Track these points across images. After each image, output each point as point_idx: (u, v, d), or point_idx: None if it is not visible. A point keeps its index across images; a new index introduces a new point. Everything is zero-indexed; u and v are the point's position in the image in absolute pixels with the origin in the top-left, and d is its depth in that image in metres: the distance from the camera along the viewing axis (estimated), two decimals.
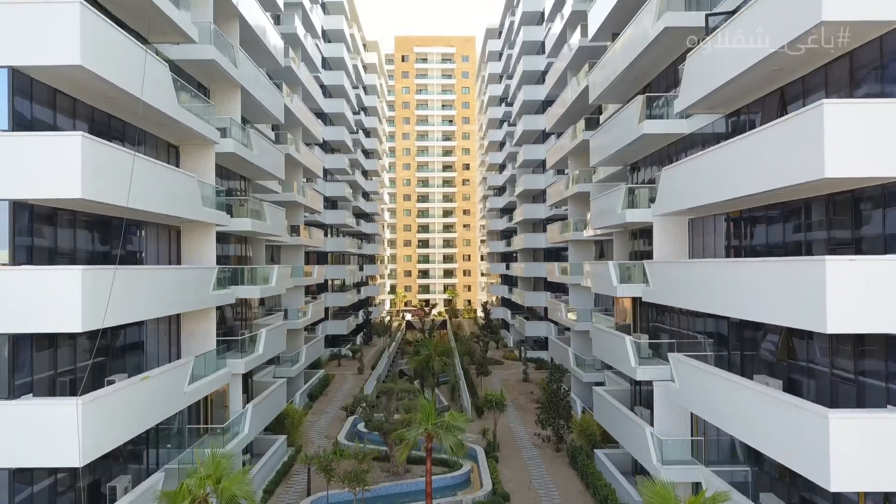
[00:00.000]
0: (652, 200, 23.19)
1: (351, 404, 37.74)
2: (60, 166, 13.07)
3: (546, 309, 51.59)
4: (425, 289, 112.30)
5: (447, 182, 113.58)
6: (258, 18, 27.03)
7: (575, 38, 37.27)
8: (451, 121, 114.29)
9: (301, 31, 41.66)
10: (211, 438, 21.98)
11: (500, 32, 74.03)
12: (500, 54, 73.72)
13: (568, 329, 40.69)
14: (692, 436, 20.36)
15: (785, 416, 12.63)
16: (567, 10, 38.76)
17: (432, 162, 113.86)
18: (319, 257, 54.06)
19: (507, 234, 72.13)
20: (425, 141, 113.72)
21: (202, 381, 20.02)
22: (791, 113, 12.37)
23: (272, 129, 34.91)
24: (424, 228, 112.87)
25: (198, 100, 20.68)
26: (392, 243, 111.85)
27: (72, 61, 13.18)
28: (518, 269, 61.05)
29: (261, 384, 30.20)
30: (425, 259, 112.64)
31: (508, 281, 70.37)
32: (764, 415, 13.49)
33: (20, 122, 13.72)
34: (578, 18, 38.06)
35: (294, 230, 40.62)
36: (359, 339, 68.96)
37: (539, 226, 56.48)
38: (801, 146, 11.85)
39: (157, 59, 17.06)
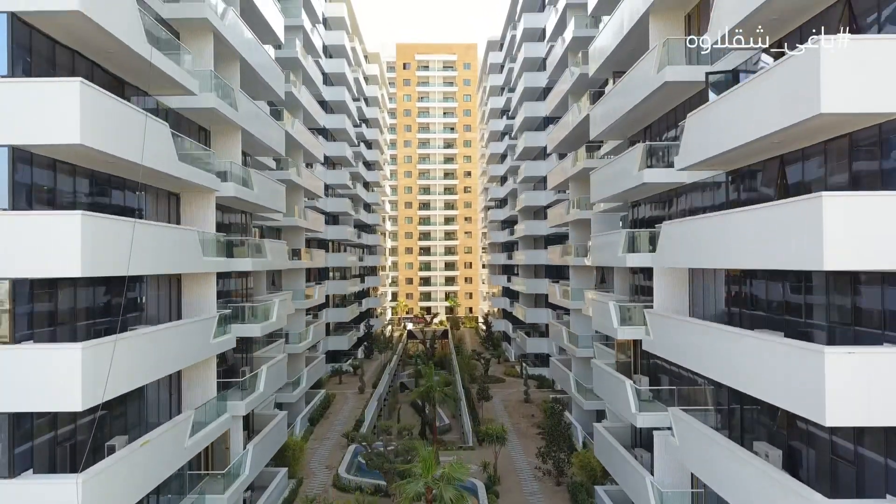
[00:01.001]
0: (652, 242, 23.23)
1: (351, 431, 37.86)
2: (61, 245, 13.07)
3: (548, 325, 51.69)
4: (427, 296, 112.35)
5: (448, 189, 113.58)
6: (259, 56, 27.01)
7: (576, 64, 37.29)
8: (452, 128, 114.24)
9: (302, 54, 41.65)
10: (211, 482, 22.10)
11: (502, 45, 73.91)
12: (502, 66, 73.64)
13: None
14: (692, 488, 20.36)
15: (786, 502, 12.63)
16: (568, 35, 38.74)
17: (434, 169, 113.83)
18: (321, 272, 54.07)
19: (509, 247, 72.10)
20: (427, 148, 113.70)
21: (203, 432, 20.06)
22: (792, 199, 12.35)
23: (273, 159, 34.91)
24: (426, 236, 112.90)
25: (198, 148, 20.68)
26: (394, 251, 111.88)
27: (72, 140, 13.18)
28: (519, 283, 61.04)
29: (262, 417, 30.26)
30: (427, 266, 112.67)
31: (510, 294, 70.35)
32: (764, 494, 13.50)
33: (20, 201, 13.72)
34: (579, 45, 38.05)
35: (295, 253, 40.68)
36: (360, 351, 69.07)
37: (541, 241, 56.41)
38: (799, 233, 11.84)
39: (157, 121, 17.06)
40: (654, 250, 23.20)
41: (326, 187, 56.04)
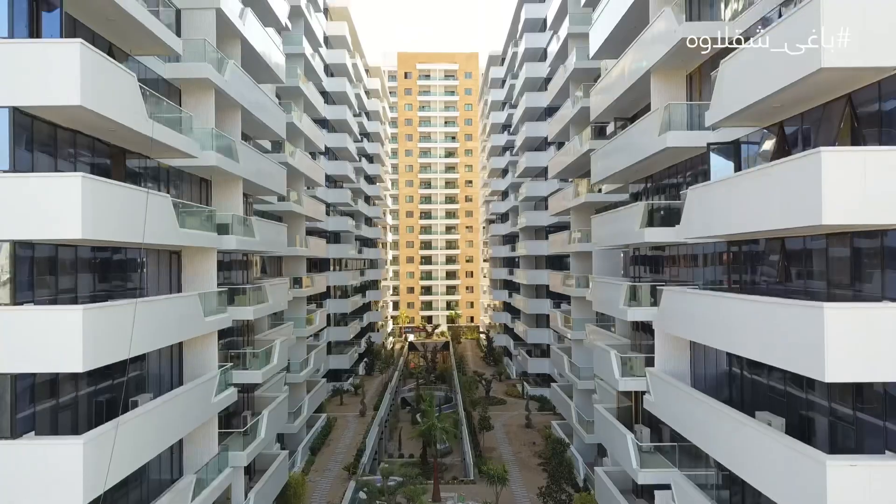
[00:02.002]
0: (654, 294, 23.22)
1: (352, 463, 37.87)
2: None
3: (549, 345, 51.69)
4: (428, 305, 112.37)
5: (450, 198, 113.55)
6: (260, 99, 26.99)
7: (578, 96, 37.23)
8: (453, 137, 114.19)
9: (303, 82, 41.59)
10: None
11: (503, 59, 73.80)
12: (503, 81, 73.57)
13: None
14: None
15: None
16: (570, 65, 38.66)
17: (435, 178, 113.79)
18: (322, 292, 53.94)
19: (510, 262, 72.04)
20: (428, 157, 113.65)
21: (204, 494, 20.08)
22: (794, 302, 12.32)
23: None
24: (427, 245, 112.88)
25: (200, 207, 20.66)
26: (395, 259, 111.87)
27: (75, 235, 13.15)
28: (521, 302, 61.06)
29: (262, 456, 30.24)
30: (428, 275, 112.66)
31: (511, 310, 70.33)
32: None
33: (21, 296, 13.73)
34: (581, 75, 38.04)
35: (296, 281, 40.70)
36: (361, 366, 69.03)
37: (542, 261, 56.34)
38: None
39: (158, 195, 17.05)
40: (655, 303, 23.26)
41: (328, 206, 56.04)
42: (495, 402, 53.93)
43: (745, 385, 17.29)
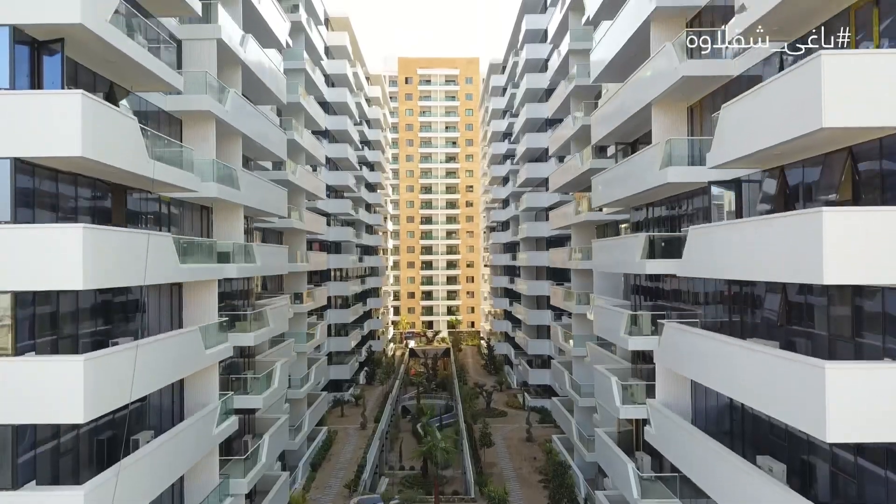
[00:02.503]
0: (654, 325, 23.24)
1: (352, 480, 37.89)
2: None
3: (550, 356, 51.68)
4: (429, 310, 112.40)
5: (451, 203, 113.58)
6: (261, 125, 27.00)
7: (578, 111, 37.23)
8: (454, 142, 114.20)
9: (304, 97, 41.58)
10: None
11: (504, 67, 73.75)
12: (504, 89, 73.50)
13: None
14: None
15: None
16: (571, 83, 38.62)
17: (436, 184, 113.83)
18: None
19: (511, 271, 72.01)
20: (429, 162, 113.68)
21: None
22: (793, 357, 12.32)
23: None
24: (428, 249, 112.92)
25: (201, 244, 20.68)
26: (396, 265, 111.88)
27: (76, 286, 13.17)
28: (521, 313, 61.05)
29: (263, 478, 30.25)
30: (429, 280, 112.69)
31: (511, 318, 70.30)
32: None
33: (22, 340, 13.74)
34: (583, 92, 38.02)
35: (297, 297, 40.71)
36: (362, 375, 69.00)
37: (543, 272, 56.29)
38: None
39: (160, 235, 17.06)
40: (656, 331, 23.25)
41: (328, 216, 56.07)
42: (496, 415, 53.96)
43: (747, 421, 17.27)
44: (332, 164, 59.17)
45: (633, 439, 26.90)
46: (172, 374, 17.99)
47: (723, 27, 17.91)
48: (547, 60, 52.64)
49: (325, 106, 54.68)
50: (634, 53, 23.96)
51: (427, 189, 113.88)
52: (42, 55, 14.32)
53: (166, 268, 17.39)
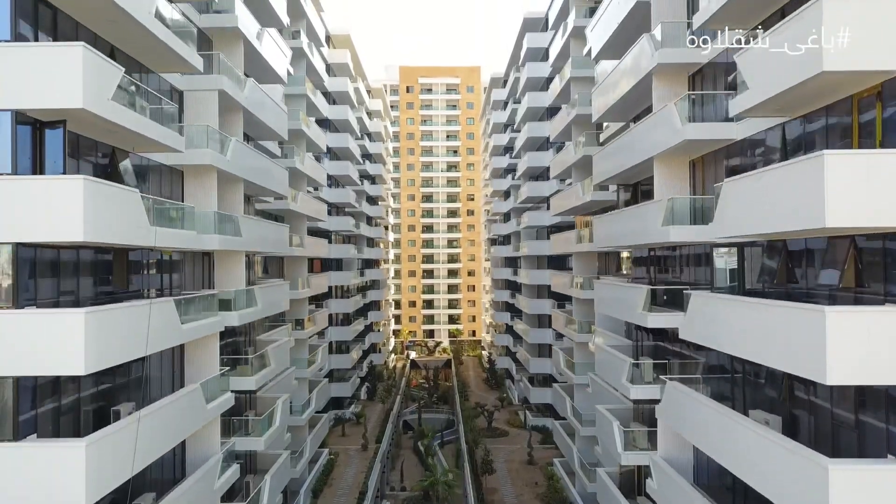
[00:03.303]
0: (656, 372, 23.26)
1: None
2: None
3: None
4: (430, 319, 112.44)
5: (452, 212, 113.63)
6: (262, 166, 26.99)
7: (581, 141, 37.16)
8: (455, 151, 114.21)
9: (305, 123, 41.53)
10: None
11: (505, 81, 73.68)
12: (505, 103, 73.42)
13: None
14: None
15: None
16: (573, 111, 38.53)
17: (437, 192, 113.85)
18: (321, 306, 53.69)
19: (512, 285, 71.96)
20: (430, 171, 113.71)
21: None
22: None
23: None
24: (429, 258, 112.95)
25: (203, 299, 20.68)
26: (397, 273, 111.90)
27: (77, 371, 13.18)
28: (522, 328, 61.06)
29: None
30: (430, 289, 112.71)
31: (512, 333, 70.29)
32: None
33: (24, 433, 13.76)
34: (584, 120, 37.95)
35: (299, 323, 40.71)
36: (363, 390, 68.95)
37: (545, 291, 56.23)
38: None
39: (162, 301, 17.06)
40: (657, 379, 23.25)
41: (329, 233, 56.04)
42: (497, 434, 53.97)
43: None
44: (334, 180, 59.15)
45: (635, 481, 26.90)
46: (174, 439, 18.02)
47: (726, 93, 17.94)
48: (548, 80, 52.60)
49: (327, 123, 54.67)
50: (637, 99, 23.96)
51: (428, 198, 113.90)
52: (44, 133, 14.32)
53: (168, 332, 17.40)
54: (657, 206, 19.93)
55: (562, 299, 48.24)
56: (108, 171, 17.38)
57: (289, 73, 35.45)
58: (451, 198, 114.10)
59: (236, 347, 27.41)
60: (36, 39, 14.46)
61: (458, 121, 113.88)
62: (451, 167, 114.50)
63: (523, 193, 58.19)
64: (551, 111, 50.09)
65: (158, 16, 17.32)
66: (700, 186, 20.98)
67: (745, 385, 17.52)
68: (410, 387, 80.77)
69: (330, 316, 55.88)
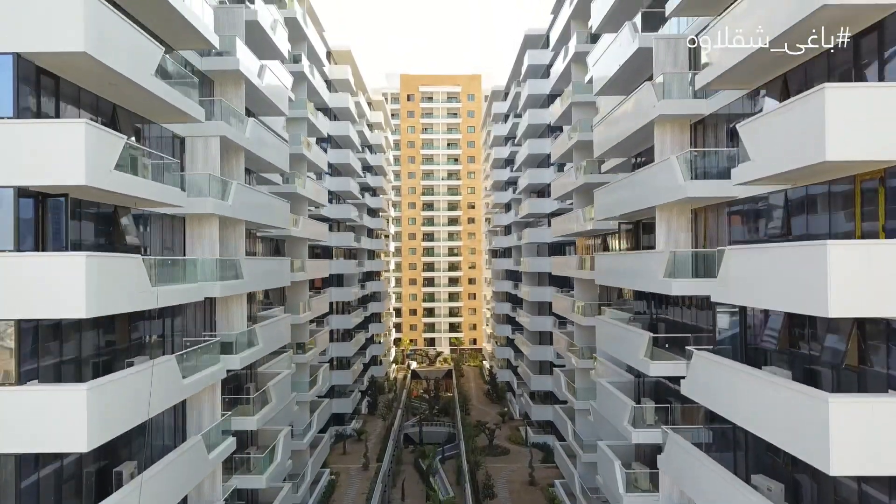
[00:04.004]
0: (657, 415, 23.28)
1: None
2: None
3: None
4: (430, 327, 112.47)
5: (452, 220, 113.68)
6: (262, 201, 27.00)
7: (582, 166, 37.11)
8: (456, 159, 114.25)
9: (306, 146, 41.51)
10: None
11: (506, 94, 73.67)
12: (506, 117, 73.40)
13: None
14: None
15: None
16: (574, 136, 38.47)
17: (438, 201, 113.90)
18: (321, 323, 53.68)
19: (513, 298, 71.96)
20: (431, 180, 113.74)
21: None
22: None
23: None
24: (430, 266, 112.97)
25: (204, 350, 20.68)
26: (398, 281, 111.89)
27: (78, 449, 13.18)
28: (523, 344, 61.03)
29: None
30: (430, 297, 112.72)
31: (513, 347, 70.27)
32: None
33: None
34: (585, 147, 37.93)
35: (300, 347, 40.71)
36: (364, 404, 68.83)
37: (545, 309, 56.22)
38: None
39: (165, 360, 17.06)
40: (658, 422, 23.27)
41: (330, 249, 56.00)
42: (498, 453, 53.97)
43: None
44: (335, 195, 59.11)
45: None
46: (178, 496, 18.02)
47: (728, 150, 17.92)
48: (549, 97, 52.52)
49: (328, 138, 54.62)
50: (638, 141, 23.96)
51: (429, 205, 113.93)
52: (46, 203, 14.31)
53: (171, 391, 17.42)
54: (659, 257, 19.92)
55: (564, 316, 48.19)
56: (110, 228, 17.40)
57: (290, 100, 35.48)
58: (452, 205, 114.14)
59: (237, 382, 27.42)
60: (38, 106, 14.42)
61: (459, 129, 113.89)
62: (452, 175, 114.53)
63: (524, 209, 58.18)
64: (553, 128, 50.11)
65: (160, 70, 17.31)
66: (703, 234, 20.98)
67: (747, 442, 17.51)
68: (411, 397, 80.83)
69: (331, 332, 55.92)
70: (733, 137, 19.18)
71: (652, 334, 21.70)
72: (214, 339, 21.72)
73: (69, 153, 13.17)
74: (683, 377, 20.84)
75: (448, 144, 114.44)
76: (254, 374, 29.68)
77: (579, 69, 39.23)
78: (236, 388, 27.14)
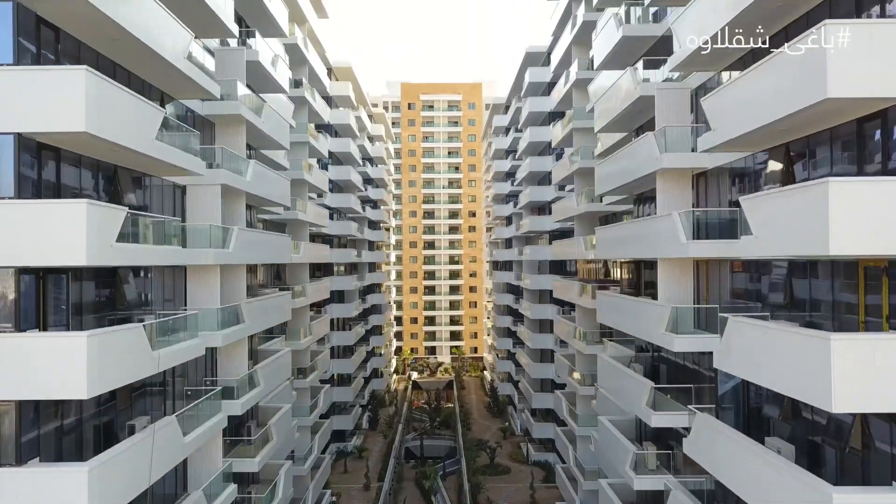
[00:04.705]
0: (659, 461, 23.26)
1: None
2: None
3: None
4: (431, 335, 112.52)
5: (453, 229, 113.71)
6: (264, 240, 26.99)
7: (584, 192, 37.05)
8: (457, 168, 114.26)
9: (306, 170, 41.44)
10: None
11: (507, 107, 73.63)
12: (507, 130, 73.39)
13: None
14: None
15: None
16: (576, 164, 38.40)
17: (438, 209, 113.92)
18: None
19: (514, 312, 71.93)
20: (431, 188, 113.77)
21: None
22: None
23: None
24: (430, 275, 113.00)
25: (205, 403, 20.66)
26: (399, 290, 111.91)
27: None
28: (524, 360, 61.01)
29: None
30: (431, 306, 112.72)
31: (514, 360, 70.27)
32: None
33: None
34: (586, 173, 37.89)
35: (301, 372, 40.70)
36: (365, 418, 68.71)
37: (546, 326, 56.18)
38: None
39: (165, 424, 17.04)
40: (662, 467, 23.25)
41: (331, 266, 55.98)
42: (500, 472, 53.96)
43: None
44: (335, 212, 59.05)
45: None
46: None
47: (731, 210, 17.88)
48: (550, 114, 52.42)
49: (329, 155, 54.52)
50: (641, 185, 23.91)
51: (430, 214, 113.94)
52: (47, 279, 14.30)
53: (172, 453, 17.40)
54: (660, 311, 19.88)
55: (566, 340, 48.12)
56: (111, 289, 17.37)
57: (291, 127, 35.46)
58: (453, 213, 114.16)
59: (238, 420, 27.33)
60: (38, 195, 14.32)
61: (460, 137, 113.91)
62: (453, 183, 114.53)
63: (525, 225, 58.20)
64: (553, 148, 50.09)
65: (164, 126, 17.28)
66: (705, 283, 20.95)
67: None
68: (412, 408, 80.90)
69: (332, 349, 55.93)
70: (736, 184, 19.23)
71: (654, 385, 21.64)
72: (216, 389, 21.65)
73: (70, 234, 13.12)
74: (687, 429, 21.00)
75: (449, 153, 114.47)
76: (254, 409, 29.64)
77: (580, 95, 39.11)
78: (237, 427, 27.07)
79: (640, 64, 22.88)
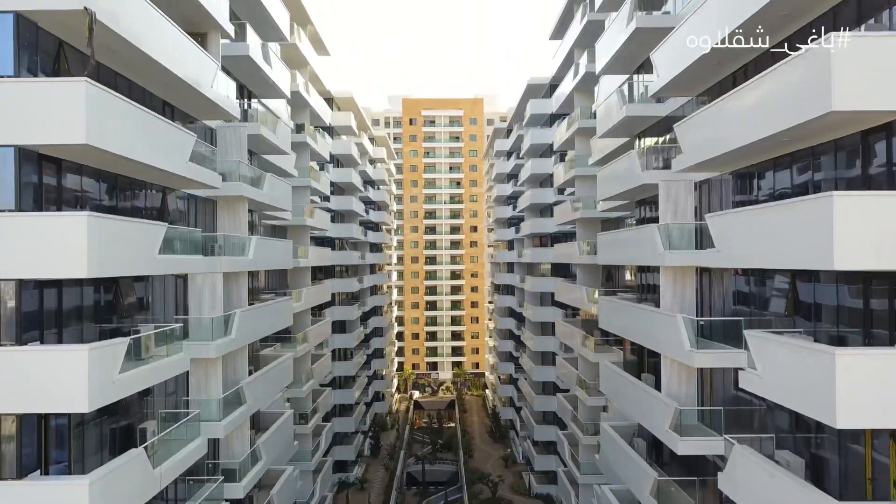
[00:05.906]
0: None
1: None
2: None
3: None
4: (433, 351, 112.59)
5: (455, 244, 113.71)
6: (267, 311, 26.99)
7: (586, 244, 37.00)
8: (458, 183, 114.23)
9: (308, 214, 41.36)
10: None
11: (509, 132, 73.51)
12: (509, 154, 73.28)
13: None
14: None
15: None
16: (578, 212, 38.33)
17: (440, 224, 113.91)
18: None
19: (516, 337, 71.81)
20: (433, 204, 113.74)
21: None
22: None
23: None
24: (432, 290, 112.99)
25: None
26: (400, 305, 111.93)
27: None
28: (525, 389, 60.97)
29: None
30: (433, 321, 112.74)
31: (516, 385, 70.22)
32: None
33: None
34: (589, 225, 37.89)
35: (302, 417, 40.61)
36: (366, 445, 68.52)
37: (548, 328, 55.76)
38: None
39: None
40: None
41: (333, 295, 55.90)
42: None
43: None
44: (337, 243, 58.97)
45: None
46: None
47: (734, 320, 17.80)
48: (550, 147, 52.23)
49: (331, 187, 54.42)
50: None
51: (431, 229, 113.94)
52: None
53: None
54: (663, 408, 19.84)
55: (567, 385, 48.03)
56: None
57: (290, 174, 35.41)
58: (454, 229, 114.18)
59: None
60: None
61: (461, 153, 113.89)
62: (455, 198, 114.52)
63: (527, 256, 58.13)
64: (554, 178, 49.98)
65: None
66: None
67: None
68: (414, 427, 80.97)
69: (334, 379, 55.85)
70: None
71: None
72: (218, 480, 21.64)
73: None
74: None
75: (450, 168, 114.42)
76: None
77: (582, 142, 39.05)
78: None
79: (642, 152, 22.80)
